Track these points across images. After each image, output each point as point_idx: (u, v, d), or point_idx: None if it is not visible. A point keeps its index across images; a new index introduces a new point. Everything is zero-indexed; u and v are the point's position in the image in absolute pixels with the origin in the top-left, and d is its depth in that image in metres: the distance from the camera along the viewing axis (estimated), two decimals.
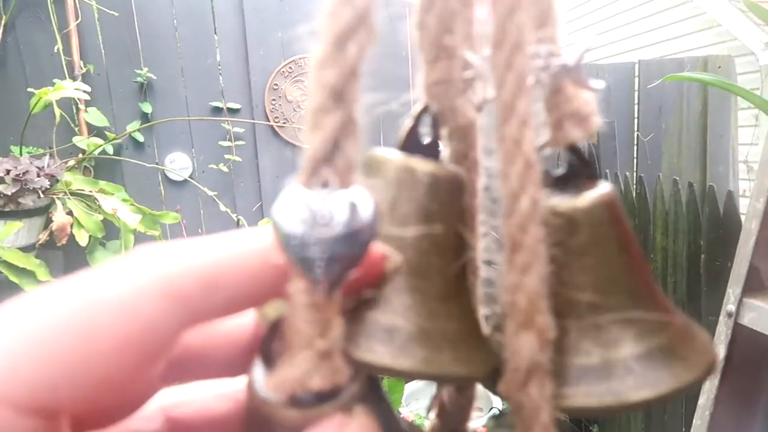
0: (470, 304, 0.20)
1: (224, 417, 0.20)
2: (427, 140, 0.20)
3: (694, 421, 0.83)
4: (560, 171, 0.19)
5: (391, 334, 0.17)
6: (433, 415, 0.23)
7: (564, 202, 0.18)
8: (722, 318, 0.77)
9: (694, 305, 1.65)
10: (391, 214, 0.19)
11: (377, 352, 0.17)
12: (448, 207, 0.19)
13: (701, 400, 0.81)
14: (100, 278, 0.15)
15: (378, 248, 0.17)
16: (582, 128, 0.19)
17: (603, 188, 0.19)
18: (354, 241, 0.15)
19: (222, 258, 0.16)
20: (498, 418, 1.99)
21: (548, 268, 0.17)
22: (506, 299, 0.17)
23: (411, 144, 0.20)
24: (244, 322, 0.19)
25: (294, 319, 0.16)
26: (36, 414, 0.13)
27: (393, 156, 0.20)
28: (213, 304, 0.16)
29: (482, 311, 0.22)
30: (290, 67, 2.01)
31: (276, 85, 2.01)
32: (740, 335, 0.76)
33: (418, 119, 0.20)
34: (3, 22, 1.73)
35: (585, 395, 0.17)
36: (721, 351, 0.77)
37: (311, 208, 0.15)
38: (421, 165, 0.19)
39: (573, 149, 0.19)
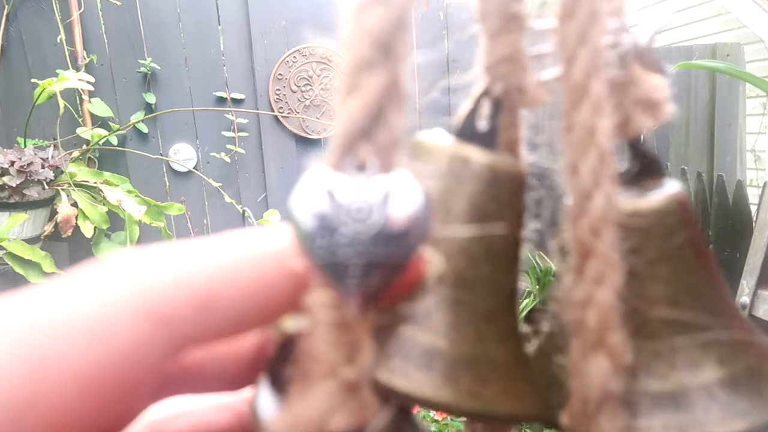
0: (516, 325, 0.17)
1: (222, 430, 0.17)
2: (484, 128, 0.17)
3: None
4: (624, 166, 0.17)
5: (432, 358, 0.14)
6: None
7: (630, 202, 0.16)
8: None
9: None
10: (439, 210, 0.16)
11: (414, 380, 0.14)
12: (507, 208, 0.16)
13: None
14: (60, 293, 0.12)
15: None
16: (653, 116, 0.16)
17: (672, 187, 0.16)
18: (398, 243, 0.12)
19: (222, 266, 0.13)
20: None
21: (623, 279, 0.14)
22: (573, 316, 0.14)
23: (467, 131, 0.17)
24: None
25: (314, 340, 0.13)
26: None
27: (445, 142, 0.17)
28: (212, 326, 0.13)
29: (522, 329, 0.20)
30: (294, 57, 2.00)
31: (280, 74, 2.00)
32: (754, 328, 0.75)
33: (478, 102, 0.17)
34: (5, 12, 1.71)
35: (662, 428, 0.14)
36: None
37: (344, 197, 0.12)
38: (479, 155, 0.16)
39: (636, 142, 0.17)
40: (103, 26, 1.86)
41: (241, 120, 1.99)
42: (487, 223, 0.16)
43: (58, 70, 1.54)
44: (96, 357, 0.11)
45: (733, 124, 2.29)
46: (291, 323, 0.14)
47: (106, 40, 1.87)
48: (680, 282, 0.16)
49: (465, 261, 0.15)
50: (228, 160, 1.97)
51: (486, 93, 0.17)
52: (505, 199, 0.16)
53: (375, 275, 0.12)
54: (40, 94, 1.48)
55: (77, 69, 1.75)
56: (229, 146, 1.98)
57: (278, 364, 0.15)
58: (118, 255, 0.12)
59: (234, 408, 0.18)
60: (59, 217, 1.56)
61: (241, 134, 1.99)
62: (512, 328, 0.16)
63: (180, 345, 0.13)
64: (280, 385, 0.14)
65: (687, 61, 1.92)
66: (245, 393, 0.18)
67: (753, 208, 1.44)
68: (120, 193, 1.60)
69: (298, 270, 0.13)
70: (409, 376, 0.14)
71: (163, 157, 1.94)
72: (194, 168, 1.97)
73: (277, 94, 2.01)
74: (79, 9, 1.78)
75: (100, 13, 1.84)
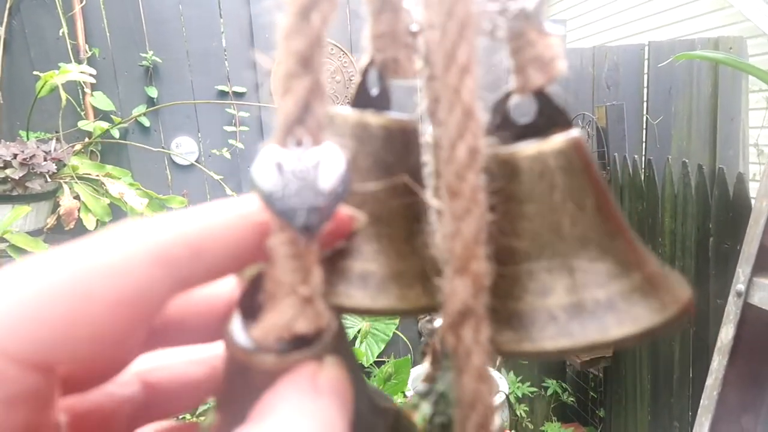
0: (427, 240, 0.20)
1: (198, 381, 0.21)
2: (375, 93, 0.21)
3: (701, 402, 0.83)
4: (526, 119, 0.20)
5: (366, 278, 0.19)
6: (426, 363, 0.23)
7: (506, 149, 0.19)
8: (732, 298, 0.77)
9: (702, 288, 1.64)
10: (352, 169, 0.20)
11: (356, 297, 0.19)
12: (403, 156, 0.21)
13: (709, 380, 0.80)
14: (96, 246, 0.16)
15: (346, 210, 0.19)
16: (544, 73, 0.19)
17: (560, 136, 0.19)
18: (330, 192, 0.16)
19: (207, 225, 0.17)
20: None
21: (487, 215, 0.17)
22: (444, 245, 0.17)
23: (362, 98, 0.21)
24: (220, 291, 0.20)
25: (276, 271, 0.17)
26: (35, 368, 0.14)
27: (346, 112, 0.21)
28: (200, 269, 0.17)
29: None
30: None
31: None
32: (750, 315, 0.75)
33: (365, 73, 0.21)
34: (8, 5, 1.72)
35: (506, 341, 0.18)
36: (730, 331, 0.77)
37: (290, 164, 0.16)
38: (374, 119, 0.21)
39: (543, 95, 0.20)
40: (105, 20, 1.86)
41: (242, 113, 1.99)
42: (389, 173, 0.20)
43: (60, 64, 1.54)
44: (121, 292, 0.15)
45: (735, 118, 2.29)
46: (251, 271, 0.19)
47: (108, 34, 1.87)
48: (545, 219, 0.18)
49: (378, 204, 0.20)
50: (228, 156, 1.98)
51: (371, 63, 0.21)
52: (400, 149, 0.21)
53: (315, 216, 0.16)
54: (43, 86, 1.48)
55: (79, 62, 1.75)
56: (230, 141, 1.98)
57: (247, 299, 0.18)
58: (131, 221, 0.17)
59: (206, 362, 0.22)
60: (62, 210, 1.57)
61: (242, 128, 1.99)
62: (425, 243, 0.20)
63: (178, 285, 0.16)
64: (249, 313, 0.18)
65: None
66: (216, 348, 0.21)
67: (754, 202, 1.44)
68: (122, 186, 1.61)
69: (261, 223, 0.17)
70: (351, 296, 0.19)
71: (165, 150, 1.95)
72: (196, 161, 1.98)
73: None
74: (81, 2, 1.78)
75: (102, 6, 1.85)
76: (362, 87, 0.22)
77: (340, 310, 0.18)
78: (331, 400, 0.16)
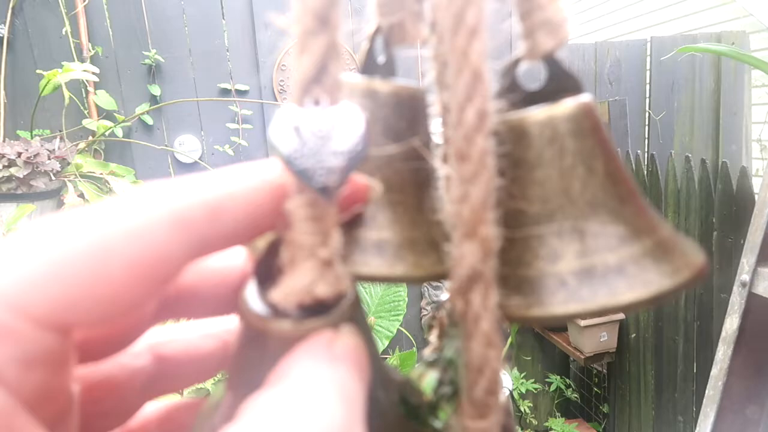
0: (438, 208, 0.20)
1: (210, 355, 0.21)
2: (382, 60, 0.21)
3: (706, 392, 0.83)
4: (536, 85, 0.20)
5: (381, 246, 0.19)
6: (433, 337, 0.23)
7: (515, 114, 0.19)
8: (736, 288, 0.77)
9: (705, 282, 1.64)
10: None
11: (373, 265, 0.18)
12: (413, 122, 0.20)
13: (714, 371, 0.80)
14: (115, 208, 0.16)
15: (362, 179, 0.18)
16: (554, 37, 0.18)
17: (571, 100, 0.19)
18: (349, 151, 0.16)
19: (227, 188, 0.17)
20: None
21: (496, 179, 0.17)
22: (452, 209, 0.17)
23: (369, 65, 0.21)
24: (233, 264, 0.20)
25: (295, 235, 0.16)
26: (52, 329, 0.14)
27: (355, 80, 0.21)
28: (218, 233, 0.17)
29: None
30: None
31: (284, 65, 2.00)
32: (754, 304, 0.75)
33: (372, 40, 0.21)
34: (11, 4, 1.73)
35: (516, 306, 0.18)
36: (735, 321, 0.77)
37: (308, 124, 0.16)
38: (383, 86, 0.20)
39: (552, 61, 0.19)
40: (108, 18, 1.87)
41: (245, 111, 1.99)
42: (400, 140, 0.20)
43: (63, 62, 1.55)
44: (141, 254, 0.15)
45: (738, 113, 2.28)
46: (262, 242, 0.18)
47: (110, 32, 1.88)
48: (554, 184, 0.18)
49: (391, 171, 0.20)
50: (232, 153, 1.98)
51: (377, 30, 0.21)
52: (410, 116, 0.20)
53: (335, 175, 0.16)
54: (46, 85, 1.49)
55: (82, 61, 1.76)
56: (233, 138, 1.99)
57: (261, 268, 0.18)
58: (154, 184, 0.17)
59: (217, 336, 0.22)
60: (66, 208, 1.58)
61: (245, 126, 2.00)
62: (436, 211, 0.20)
63: (195, 249, 0.16)
64: (266, 279, 0.18)
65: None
66: (228, 322, 0.22)
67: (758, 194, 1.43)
68: (126, 184, 1.61)
69: (279, 187, 0.17)
70: (368, 264, 0.19)
71: (168, 148, 1.95)
72: (199, 159, 1.98)
73: (281, 85, 2.02)
74: (84, 1, 1.79)
75: (105, 5, 1.85)
76: (369, 54, 0.21)
77: (357, 278, 0.18)
78: (348, 367, 0.16)
